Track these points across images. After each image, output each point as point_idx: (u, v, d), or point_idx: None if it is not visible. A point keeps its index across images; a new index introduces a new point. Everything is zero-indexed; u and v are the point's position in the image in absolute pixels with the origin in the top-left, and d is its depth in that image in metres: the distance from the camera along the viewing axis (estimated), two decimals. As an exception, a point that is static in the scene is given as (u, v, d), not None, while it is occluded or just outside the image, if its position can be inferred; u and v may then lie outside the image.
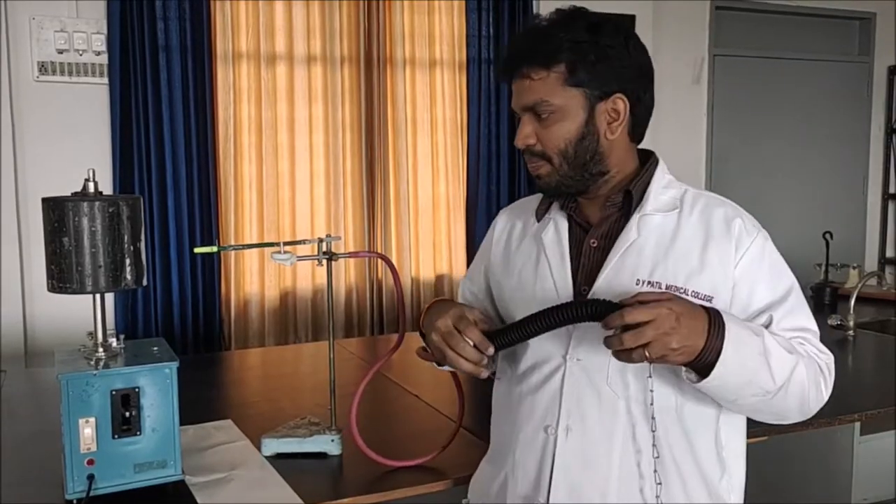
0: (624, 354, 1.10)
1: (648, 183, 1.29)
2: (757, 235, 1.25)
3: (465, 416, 1.68)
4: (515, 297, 1.37)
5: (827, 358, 1.25)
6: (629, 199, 1.28)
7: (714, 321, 1.11)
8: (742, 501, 1.31)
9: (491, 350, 1.22)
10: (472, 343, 1.22)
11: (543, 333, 1.20)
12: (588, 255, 1.29)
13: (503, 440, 1.38)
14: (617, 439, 1.22)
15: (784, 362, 1.16)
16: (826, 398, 1.24)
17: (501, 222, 1.48)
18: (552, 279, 1.31)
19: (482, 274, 1.50)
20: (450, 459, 1.68)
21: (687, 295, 1.20)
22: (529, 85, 1.25)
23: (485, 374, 1.27)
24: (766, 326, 1.22)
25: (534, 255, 1.36)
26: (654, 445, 1.21)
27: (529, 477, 1.30)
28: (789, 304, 1.24)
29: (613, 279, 1.25)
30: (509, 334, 1.22)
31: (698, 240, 1.24)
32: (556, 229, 1.34)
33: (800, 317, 1.25)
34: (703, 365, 1.11)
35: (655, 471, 1.20)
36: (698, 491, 1.25)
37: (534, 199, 1.41)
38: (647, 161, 1.33)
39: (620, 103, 1.25)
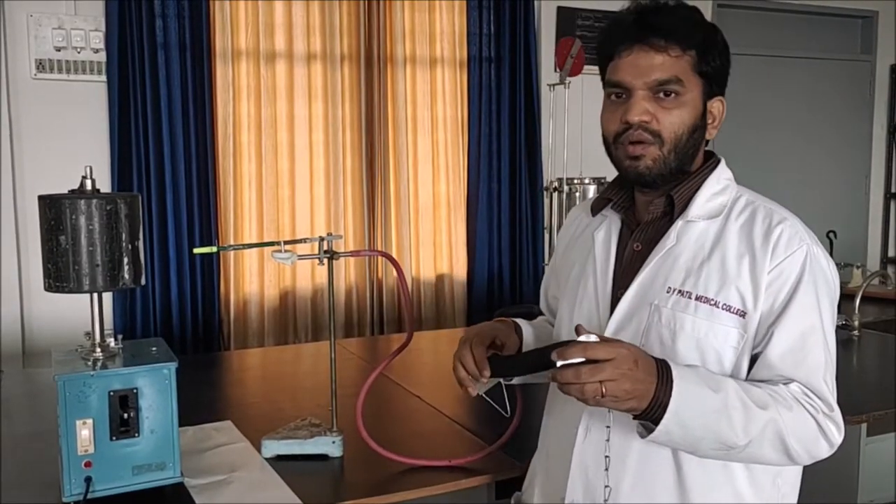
0: (575, 389, 1.04)
1: (699, 187, 1.24)
2: (798, 249, 1.17)
3: (479, 423, 1.65)
4: (565, 295, 1.37)
5: (828, 410, 1.14)
6: (674, 203, 1.25)
7: (663, 374, 1.07)
8: None
9: (487, 372, 1.24)
10: (473, 358, 1.26)
11: (532, 373, 1.22)
12: (630, 259, 1.27)
13: (544, 435, 1.39)
14: (633, 446, 1.19)
15: (754, 418, 1.09)
16: (830, 451, 1.16)
17: (570, 217, 1.48)
18: (594, 280, 1.30)
19: (554, 264, 1.51)
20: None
21: (717, 307, 1.16)
22: (663, 61, 1.18)
23: (473, 391, 1.29)
24: (766, 346, 1.15)
25: (584, 253, 1.35)
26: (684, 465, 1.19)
27: (554, 473, 1.30)
28: (800, 339, 1.15)
29: (646, 287, 1.22)
30: (505, 366, 1.26)
31: (737, 250, 1.19)
32: (609, 229, 1.32)
33: (809, 357, 1.15)
34: (651, 419, 1.07)
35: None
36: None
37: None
38: (705, 163, 1.28)
39: (720, 105, 1.25)
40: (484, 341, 1.29)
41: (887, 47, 5.23)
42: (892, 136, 5.33)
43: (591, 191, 3.36)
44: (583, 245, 1.36)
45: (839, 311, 2.91)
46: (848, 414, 1.92)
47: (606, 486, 1.21)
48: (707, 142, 1.28)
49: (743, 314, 1.16)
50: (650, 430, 1.08)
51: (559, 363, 1.05)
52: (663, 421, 1.06)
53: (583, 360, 1.04)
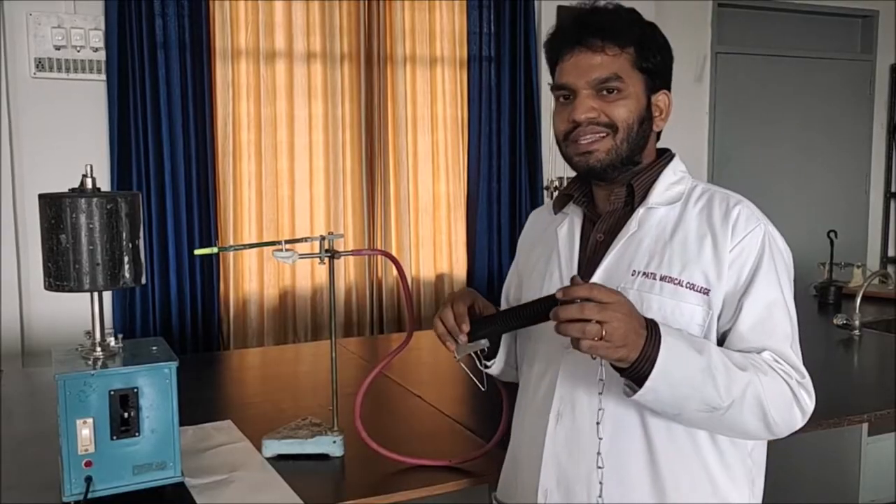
0: (576, 327, 1.04)
1: (656, 178, 1.30)
2: (756, 227, 1.23)
3: (480, 422, 1.65)
4: (530, 290, 1.39)
5: (800, 377, 1.19)
6: (633, 193, 1.30)
7: (651, 330, 1.09)
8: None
9: (465, 326, 1.25)
10: (453, 315, 1.26)
11: (516, 329, 1.24)
12: (594, 249, 1.32)
13: (517, 429, 1.40)
14: (605, 430, 1.21)
15: (735, 380, 1.12)
16: (803, 420, 1.19)
17: (531, 219, 1.53)
18: (560, 272, 1.33)
19: (518, 269, 1.53)
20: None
21: (682, 286, 1.21)
22: (602, 60, 1.25)
23: (451, 345, 1.28)
24: (736, 320, 1.19)
25: (547, 249, 1.39)
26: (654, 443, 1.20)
27: (529, 461, 1.31)
28: (767, 311, 1.20)
29: (612, 271, 1.26)
30: (484, 326, 1.26)
31: (698, 231, 1.24)
32: (571, 224, 1.37)
33: (776, 327, 1.20)
34: (638, 375, 1.09)
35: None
36: (701, 494, 1.22)
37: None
38: (661, 156, 1.35)
39: (665, 98, 1.31)
40: (465, 301, 1.30)
41: (887, 47, 5.22)
42: (892, 135, 5.32)
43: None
44: (546, 242, 1.40)
45: (840, 311, 2.94)
46: (849, 414, 1.93)
47: (578, 472, 1.22)
48: (658, 136, 1.34)
49: (707, 292, 1.21)
50: (634, 391, 1.10)
51: (574, 294, 1.05)
52: (651, 376, 1.07)
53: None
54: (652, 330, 1.09)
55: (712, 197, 1.27)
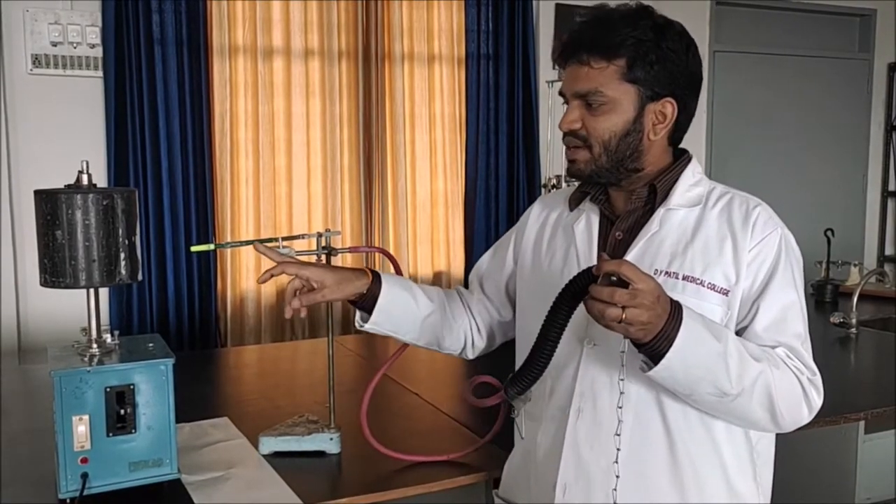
0: (599, 307, 1.05)
1: (676, 179, 1.31)
2: (774, 230, 1.25)
3: (477, 419, 1.65)
4: (543, 284, 1.38)
5: (811, 374, 1.22)
6: (655, 193, 1.31)
7: (674, 312, 1.10)
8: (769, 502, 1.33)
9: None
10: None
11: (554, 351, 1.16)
12: (613, 247, 1.32)
13: (529, 427, 1.40)
14: (626, 424, 1.23)
15: (747, 368, 1.14)
16: (809, 416, 1.22)
17: (537, 209, 1.52)
18: (579, 268, 1.31)
19: (510, 251, 1.51)
20: (453, 461, 1.66)
21: (703, 286, 1.23)
22: (587, 73, 1.26)
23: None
24: (752, 320, 1.22)
25: (565, 244, 1.39)
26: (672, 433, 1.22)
27: (547, 457, 1.32)
28: (782, 312, 1.23)
29: None
30: (527, 374, 1.17)
31: (718, 232, 1.26)
32: (588, 221, 1.37)
33: (790, 327, 1.24)
34: (654, 353, 1.10)
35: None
36: (717, 488, 1.25)
37: (568, 191, 1.44)
38: (680, 159, 1.35)
39: (669, 107, 1.29)
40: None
41: (885, 46, 5.23)
42: (890, 134, 5.33)
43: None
44: (562, 237, 1.40)
45: (837, 310, 2.94)
46: (845, 412, 1.94)
47: (599, 466, 1.24)
48: (678, 139, 1.35)
49: (726, 292, 1.23)
50: (650, 368, 1.12)
51: (605, 269, 1.05)
52: (668, 355, 1.09)
53: (614, 278, 1.05)
54: (675, 312, 1.10)
55: (732, 199, 1.29)
